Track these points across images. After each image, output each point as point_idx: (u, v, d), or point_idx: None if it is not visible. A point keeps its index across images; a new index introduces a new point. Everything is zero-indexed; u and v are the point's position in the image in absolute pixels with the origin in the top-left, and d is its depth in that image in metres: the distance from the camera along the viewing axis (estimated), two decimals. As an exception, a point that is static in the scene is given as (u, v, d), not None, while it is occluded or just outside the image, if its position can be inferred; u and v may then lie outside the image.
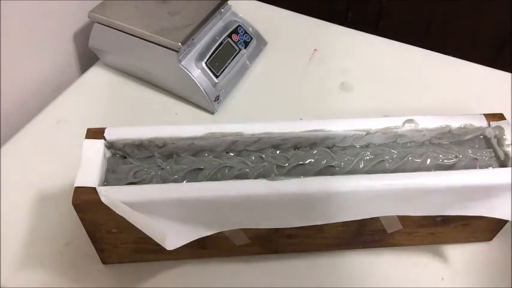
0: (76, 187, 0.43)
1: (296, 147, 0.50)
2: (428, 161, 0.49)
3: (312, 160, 0.48)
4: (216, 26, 0.69)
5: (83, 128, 0.48)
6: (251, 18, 0.74)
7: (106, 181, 0.46)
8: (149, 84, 0.71)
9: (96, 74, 0.73)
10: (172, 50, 0.64)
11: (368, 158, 0.49)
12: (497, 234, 0.53)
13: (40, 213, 0.55)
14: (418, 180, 0.45)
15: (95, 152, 0.46)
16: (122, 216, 0.42)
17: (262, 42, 0.76)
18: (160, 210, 0.43)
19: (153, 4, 0.69)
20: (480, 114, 0.51)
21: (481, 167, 0.49)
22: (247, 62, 0.73)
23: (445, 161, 0.49)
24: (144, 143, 0.48)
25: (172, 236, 0.43)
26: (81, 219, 0.45)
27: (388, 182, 0.44)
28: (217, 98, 0.67)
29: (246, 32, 0.72)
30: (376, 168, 0.48)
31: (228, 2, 0.72)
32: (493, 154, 0.50)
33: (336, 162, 0.48)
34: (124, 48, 0.68)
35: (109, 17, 0.67)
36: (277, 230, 0.47)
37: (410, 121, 0.50)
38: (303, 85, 0.72)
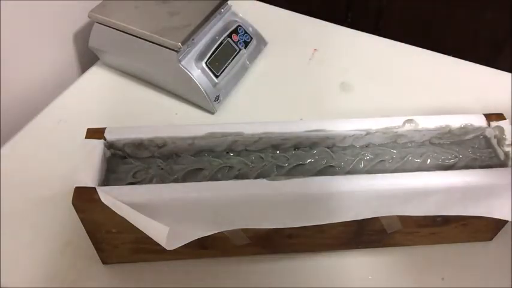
0: (76, 187, 0.43)
1: (296, 147, 0.50)
2: (428, 161, 0.49)
3: (312, 160, 0.48)
4: (216, 26, 0.69)
5: (83, 128, 0.48)
6: (251, 18, 0.74)
7: (106, 181, 0.46)
8: (149, 84, 0.71)
9: (96, 74, 0.73)
10: (172, 50, 0.64)
11: (368, 158, 0.49)
12: (497, 234, 0.53)
13: (40, 213, 0.55)
14: (418, 180, 0.45)
15: (95, 152, 0.46)
16: (121, 216, 0.42)
17: (262, 42, 0.76)
18: (160, 210, 0.43)
19: (153, 4, 0.69)
20: (480, 114, 0.51)
21: (481, 167, 0.49)
22: (247, 62, 0.73)
23: (445, 161, 0.49)
24: (144, 143, 0.48)
25: (172, 236, 0.43)
26: (81, 219, 0.45)
27: (388, 182, 0.44)
28: (217, 98, 0.67)
29: (246, 32, 0.72)
30: (376, 168, 0.48)
31: (228, 2, 0.72)
32: (493, 154, 0.50)
33: (336, 162, 0.48)
34: (124, 48, 0.68)
35: (109, 17, 0.67)
36: (277, 230, 0.47)
37: (410, 121, 0.50)
38: (303, 85, 0.72)
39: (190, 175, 0.47)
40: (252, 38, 0.73)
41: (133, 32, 0.65)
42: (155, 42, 0.64)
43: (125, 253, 0.50)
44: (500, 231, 0.52)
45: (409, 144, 0.51)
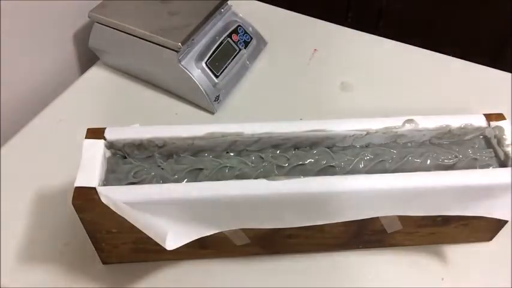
0: (76, 187, 0.43)
1: (296, 147, 0.50)
2: (428, 161, 0.49)
3: (312, 160, 0.48)
4: (216, 26, 0.69)
5: (83, 128, 0.48)
6: (251, 18, 0.74)
7: (106, 181, 0.46)
8: (149, 84, 0.71)
9: (96, 74, 0.73)
10: (172, 50, 0.64)
11: (368, 158, 0.49)
12: (497, 234, 0.53)
13: (40, 213, 0.55)
14: (418, 180, 0.45)
15: (95, 152, 0.46)
16: (122, 216, 0.42)
17: (262, 42, 0.76)
18: (160, 210, 0.43)
19: (153, 4, 0.69)
20: (480, 114, 0.51)
21: (481, 167, 0.49)
22: (247, 62, 0.73)
23: (445, 161, 0.49)
24: (144, 143, 0.48)
25: (172, 236, 0.43)
26: (81, 219, 0.45)
27: (388, 182, 0.44)
28: (217, 98, 0.67)
29: (246, 32, 0.72)
30: (376, 168, 0.48)
31: (228, 2, 0.72)
32: (493, 154, 0.50)
33: (336, 162, 0.48)
34: (124, 48, 0.68)
35: (109, 17, 0.67)
36: (277, 230, 0.47)
37: (410, 121, 0.50)
38: (303, 85, 0.72)
39: (190, 175, 0.47)
40: (252, 38, 0.73)
41: (134, 32, 0.65)
42: (155, 42, 0.64)
43: (125, 253, 0.50)
44: (500, 231, 0.52)
45: (409, 144, 0.51)
